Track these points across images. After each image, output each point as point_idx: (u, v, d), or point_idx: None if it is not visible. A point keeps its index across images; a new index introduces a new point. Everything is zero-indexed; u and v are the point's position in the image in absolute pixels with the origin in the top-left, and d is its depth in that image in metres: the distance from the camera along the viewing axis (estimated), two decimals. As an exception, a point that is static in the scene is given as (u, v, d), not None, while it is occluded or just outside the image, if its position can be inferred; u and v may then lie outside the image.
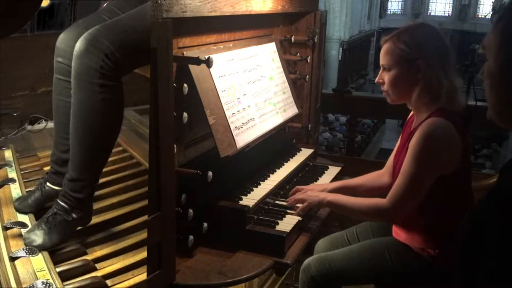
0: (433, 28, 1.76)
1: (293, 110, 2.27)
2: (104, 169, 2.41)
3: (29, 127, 3.12)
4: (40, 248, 1.75)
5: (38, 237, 1.77)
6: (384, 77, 1.77)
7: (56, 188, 1.99)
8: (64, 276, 1.68)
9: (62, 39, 1.97)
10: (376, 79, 1.81)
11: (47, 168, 2.45)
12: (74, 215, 1.82)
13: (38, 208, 2.01)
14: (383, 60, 1.76)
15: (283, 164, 2.18)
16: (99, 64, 1.69)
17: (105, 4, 2.23)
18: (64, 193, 1.83)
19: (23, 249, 1.73)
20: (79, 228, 1.91)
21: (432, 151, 1.61)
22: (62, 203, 1.82)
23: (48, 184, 2.02)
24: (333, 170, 2.34)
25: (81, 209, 1.84)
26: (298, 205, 1.84)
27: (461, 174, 1.67)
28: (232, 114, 1.76)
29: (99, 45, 1.69)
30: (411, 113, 1.87)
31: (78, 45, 1.72)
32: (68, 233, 1.84)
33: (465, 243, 0.96)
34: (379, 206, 1.70)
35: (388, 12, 29.93)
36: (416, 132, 1.66)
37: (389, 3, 30.13)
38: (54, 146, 2.04)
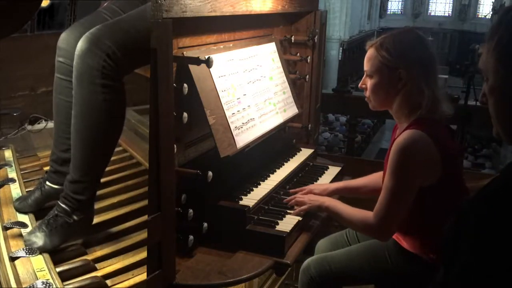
0: (418, 35, 1.73)
1: (293, 110, 2.27)
2: (104, 169, 2.43)
3: (29, 127, 3.12)
4: (41, 250, 1.75)
5: (39, 239, 1.76)
6: (367, 83, 1.75)
7: (56, 187, 1.99)
8: (64, 276, 1.68)
9: (63, 38, 1.96)
10: (360, 84, 1.80)
11: (47, 168, 2.45)
12: (75, 217, 1.80)
13: (38, 207, 2.01)
14: (366, 66, 1.74)
15: (283, 164, 2.18)
16: (101, 64, 1.67)
17: (105, 4, 2.23)
18: (65, 195, 1.81)
19: (23, 249, 1.73)
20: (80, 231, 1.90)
21: (407, 165, 1.60)
22: (63, 205, 1.80)
23: (47, 183, 2.01)
24: (333, 170, 2.34)
25: (82, 211, 1.82)
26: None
27: (450, 181, 1.64)
28: (232, 114, 1.76)
29: (101, 45, 1.68)
30: None
31: (80, 44, 1.71)
32: (69, 235, 1.83)
33: (446, 241, 0.97)
34: (367, 221, 1.67)
35: (388, 12, 29.94)
36: (393, 146, 1.65)
37: (389, 3, 30.15)
38: (54, 145, 2.03)
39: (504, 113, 0.99)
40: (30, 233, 1.81)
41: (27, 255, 1.71)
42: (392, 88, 1.69)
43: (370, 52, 1.73)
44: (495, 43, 0.97)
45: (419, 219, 1.68)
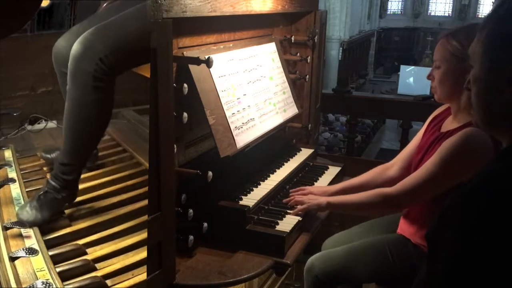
0: None
1: (293, 110, 2.26)
2: (104, 169, 2.45)
3: (29, 127, 3.11)
4: (31, 224, 1.90)
5: (29, 214, 1.92)
6: (435, 74, 1.74)
7: None
8: (64, 276, 1.68)
9: (60, 46, 2.14)
10: (427, 75, 1.78)
11: (47, 168, 2.47)
12: (63, 194, 1.99)
13: None
14: (435, 55, 1.73)
15: (283, 164, 2.18)
16: (93, 67, 1.81)
17: (104, 5, 2.24)
18: (55, 175, 1.99)
19: (23, 249, 1.74)
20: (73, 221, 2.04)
21: (461, 161, 1.58)
22: (53, 183, 1.98)
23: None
24: (333, 170, 2.34)
25: (68, 189, 2.01)
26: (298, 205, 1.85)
27: None
28: (232, 114, 1.76)
29: (94, 50, 1.81)
30: (440, 110, 1.85)
31: (75, 48, 1.84)
32: (56, 209, 2.01)
33: (431, 235, 0.98)
34: (385, 192, 1.70)
35: (388, 12, 29.89)
36: (453, 136, 1.62)
37: (389, 3, 30.10)
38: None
39: (483, 103, 1.01)
40: (21, 208, 1.97)
41: (27, 255, 1.71)
42: (460, 79, 1.64)
43: (440, 43, 1.71)
44: (484, 35, 0.99)
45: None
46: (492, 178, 0.90)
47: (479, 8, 28.92)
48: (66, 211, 2.08)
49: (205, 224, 1.61)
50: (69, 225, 2.01)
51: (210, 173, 1.56)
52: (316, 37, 2.40)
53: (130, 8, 1.94)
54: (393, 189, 1.69)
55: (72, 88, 1.89)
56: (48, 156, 2.49)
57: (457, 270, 0.86)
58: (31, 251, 1.73)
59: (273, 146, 2.20)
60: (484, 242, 0.84)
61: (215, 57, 1.57)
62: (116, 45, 1.83)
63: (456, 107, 1.73)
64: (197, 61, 1.53)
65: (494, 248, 0.83)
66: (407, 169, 1.88)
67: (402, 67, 15.45)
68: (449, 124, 1.76)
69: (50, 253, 1.78)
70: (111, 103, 1.97)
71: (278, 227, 1.70)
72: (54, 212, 2.00)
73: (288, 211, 1.82)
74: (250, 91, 1.93)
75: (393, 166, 1.99)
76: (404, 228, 1.83)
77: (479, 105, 1.02)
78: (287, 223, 1.74)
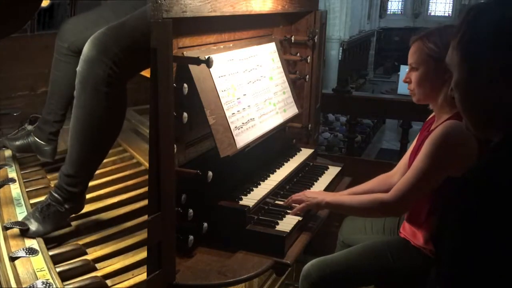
0: None
1: (293, 110, 2.27)
2: (104, 169, 2.44)
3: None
4: (34, 235, 1.82)
5: (32, 226, 1.84)
6: (411, 76, 1.77)
7: (38, 141, 2.37)
8: (64, 276, 1.68)
9: (67, 26, 2.21)
10: (404, 78, 1.82)
11: (47, 168, 2.47)
12: (66, 206, 1.89)
13: (19, 151, 2.44)
14: (411, 58, 1.76)
15: (283, 164, 2.18)
16: (107, 72, 1.69)
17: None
18: (59, 186, 1.89)
19: (23, 249, 1.73)
20: (77, 226, 1.99)
21: (445, 151, 1.61)
22: (56, 195, 1.88)
23: (32, 135, 2.37)
24: (333, 170, 2.34)
25: (73, 201, 1.91)
26: (297, 205, 1.84)
27: None
28: (232, 114, 1.76)
29: (109, 53, 1.69)
30: (431, 115, 1.87)
31: (87, 50, 1.71)
32: (60, 222, 1.92)
33: (437, 236, 0.99)
34: (381, 199, 1.70)
35: (388, 12, 29.90)
36: (434, 131, 1.66)
37: (389, 3, 30.10)
38: (44, 108, 2.37)
39: (469, 106, 1.03)
40: (24, 219, 1.88)
41: (27, 255, 1.71)
42: (438, 79, 1.69)
43: (415, 45, 1.75)
44: (458, 40, 1.02)
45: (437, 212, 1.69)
46: (485, 175, 0.92)
47: (479, 8, 28.87)
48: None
49: (205, 224, 1.61)
50: (69, 225, 2.01)
51: (210, 173, 1.56)
52: (316, 37, 2.40)
53: (142, 8, 1.85)
54: (388, 195, 1.69)
55: (81, 94, 1.76)
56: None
57: (463, 267, 0.86)
58: (31, 251, 1.73)
59: (273, 146, 2.20)
60: (486, 238, 0.85)
61: (215, 57, 1.57)
62: (130, 47, 1.71)
63: (436, 106, 1.76)
64: (197, 61, 1.54)
65: (497, 244, 0.84)
66: None
67: (402, 67, 15.41)
68: (434, 124, 1.78)
69: (50, 253, 1.78)
70: (123, 112, 1.85)
71: (278, 227, 1.70)
72: (58, 225, 1.91)
73: (288, 211, 1.83)
74: (250, 91, 1.93)
75: (395, 173, 1.99)
76: (404, 230, 1.83)
77: (466, 109, 1.04)
78: (287, 223, 1.74)
